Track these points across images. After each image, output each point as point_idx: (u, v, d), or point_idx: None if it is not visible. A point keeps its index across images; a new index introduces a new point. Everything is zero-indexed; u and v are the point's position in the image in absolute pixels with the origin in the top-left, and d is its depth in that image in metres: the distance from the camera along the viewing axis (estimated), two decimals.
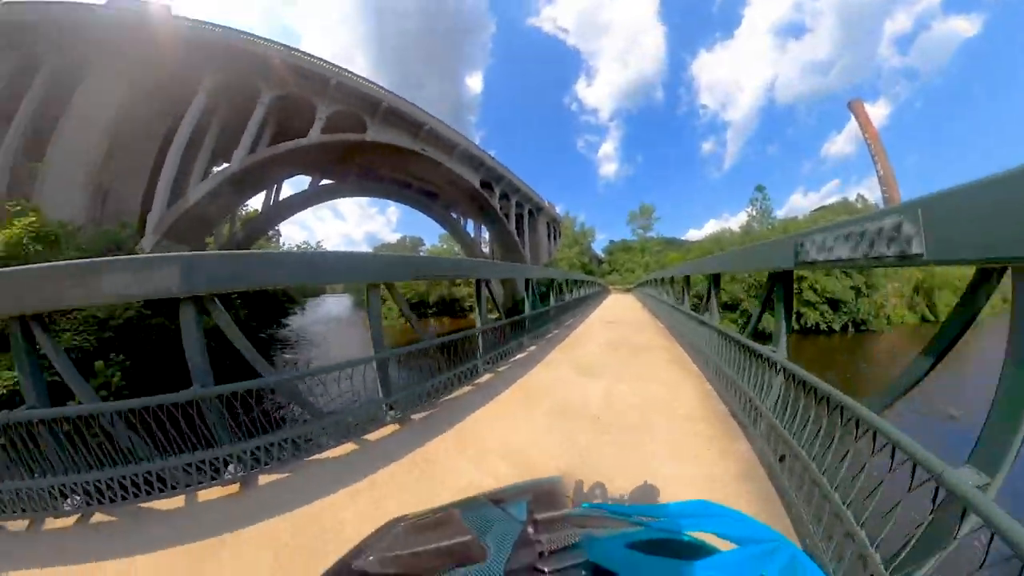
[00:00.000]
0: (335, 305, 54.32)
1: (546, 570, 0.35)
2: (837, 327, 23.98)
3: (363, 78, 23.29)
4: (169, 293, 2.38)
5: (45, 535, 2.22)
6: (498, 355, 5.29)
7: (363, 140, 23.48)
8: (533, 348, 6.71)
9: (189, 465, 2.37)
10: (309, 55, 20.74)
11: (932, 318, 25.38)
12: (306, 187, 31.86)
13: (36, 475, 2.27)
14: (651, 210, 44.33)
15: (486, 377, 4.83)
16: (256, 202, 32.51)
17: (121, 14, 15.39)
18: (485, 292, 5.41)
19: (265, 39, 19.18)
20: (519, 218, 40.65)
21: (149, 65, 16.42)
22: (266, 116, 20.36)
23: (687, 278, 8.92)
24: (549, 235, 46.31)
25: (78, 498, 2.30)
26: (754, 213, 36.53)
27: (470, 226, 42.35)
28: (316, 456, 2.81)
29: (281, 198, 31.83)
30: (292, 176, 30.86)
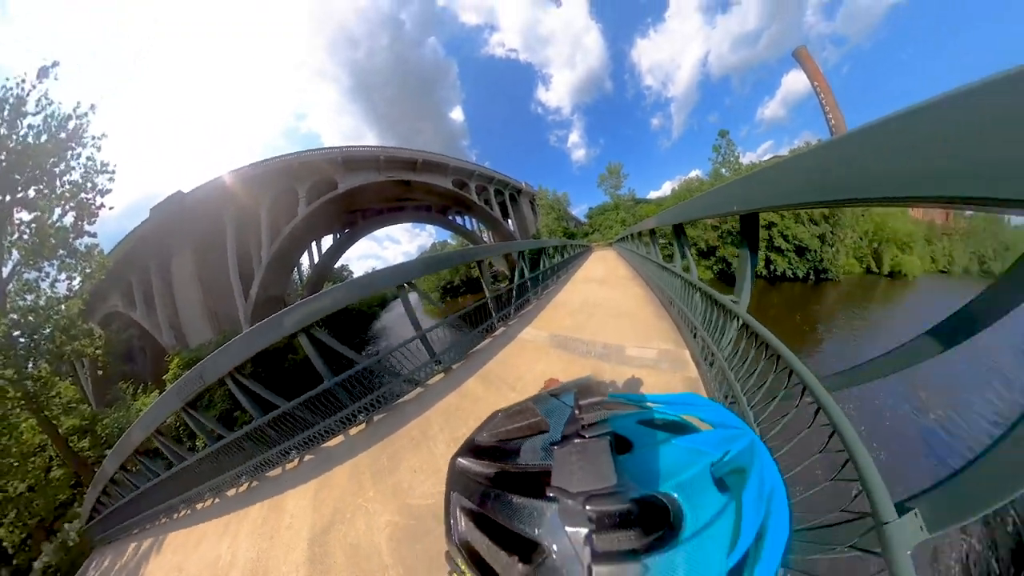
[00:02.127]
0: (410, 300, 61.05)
1: (585, 436, 0.43)
2: (801, 274, 20.79)
3: (318, 149, 24.87)
4: (291, 330, 3.42)
5: (289, 472, 3.55)
6: (506, 314, 5.96)
7: (339, 193, 25.47)
8: (537, 300, 7.28)
9: (339, 421, 3.64)
10: (279, 156, 23.88)
11: (876, 270, 21.76)
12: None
13: (271, 447, 3.71)
14: (619, 168, 40.59)
15: (500, 330, 5.52)
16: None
17: (158, 216, 21.01)
18: (488, 270, 6.13)
19: (248, 165, 23.30)
20: (503, 204, 40.77)
21: (192, 229, 22.32)
22: (271, 218, 23.93)
23: (652, 231, 8.02)
24: (534, 212, 46.52)
25: (295, 452, 3.68)
26: (719, 159, 32.10)
27: (474, 222, 43.11)
28: (399, 401, 3.89)
29: (324, 251, 34.98)
30: (314, 240, 33.44)
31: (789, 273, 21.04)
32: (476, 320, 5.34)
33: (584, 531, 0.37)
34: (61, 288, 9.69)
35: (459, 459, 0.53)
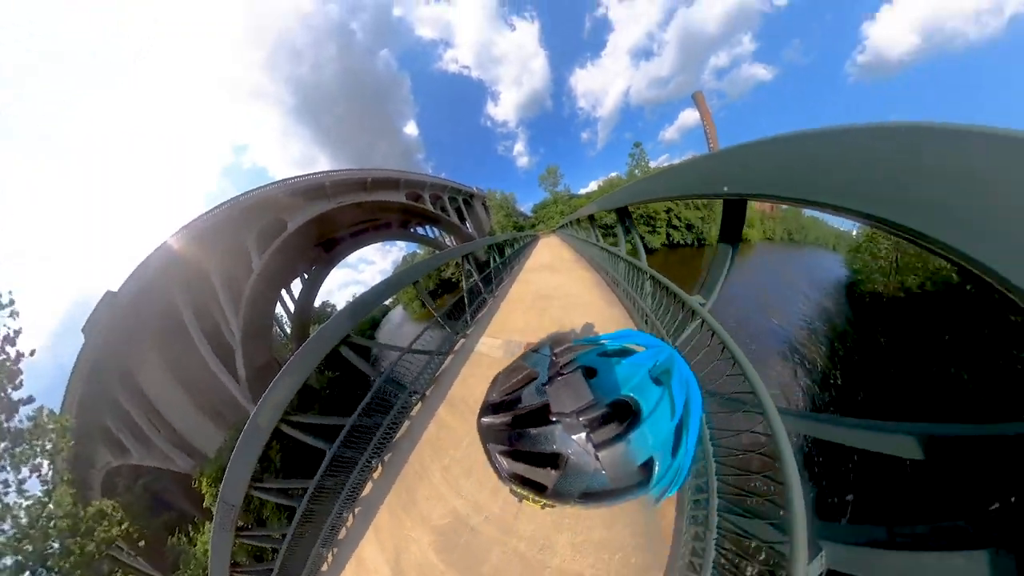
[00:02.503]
0: (396, 316, 62.62)
1: (564, 373, 0.55)
2: (690, 241, 30.86)
3: (255, 190, 20.57)
4: (270, 428, 3.38)
5: (352, 530, 3.61)
6: (464, 322, 5.76)
7: (291, 233, 21.57)
8: (493, 299, 6.90)
9: (360, 472, 3.82)
10: (215, 208, 19.48)
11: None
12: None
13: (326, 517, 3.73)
14: (555, 170, 48.04)
15: (460, 342, 5.37)
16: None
17: (96, 333, 16.61)
18: (425, 291, 5.81)
19: (179, 231, 18.76)
20: (458, 210, 41.06)
21: (144, 329, 18.03)
22: (227, 281, 20.04)
23: (591, 217, 8.28)
24: (487, 212, 47.99)
25: (345, 512, 3.75)
26: (633, 163, 38.98)
27: (435, 231, 42.71)
28: (396, 438, 4.07)
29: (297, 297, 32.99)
30: (283, 288, 31.23)
31: (682, 241, 30.68)
32: (439, 333, 5.24)
33: (584, 434, 0.50)
34: (33, 486, 6.84)
35: (483, 419, 0.61)
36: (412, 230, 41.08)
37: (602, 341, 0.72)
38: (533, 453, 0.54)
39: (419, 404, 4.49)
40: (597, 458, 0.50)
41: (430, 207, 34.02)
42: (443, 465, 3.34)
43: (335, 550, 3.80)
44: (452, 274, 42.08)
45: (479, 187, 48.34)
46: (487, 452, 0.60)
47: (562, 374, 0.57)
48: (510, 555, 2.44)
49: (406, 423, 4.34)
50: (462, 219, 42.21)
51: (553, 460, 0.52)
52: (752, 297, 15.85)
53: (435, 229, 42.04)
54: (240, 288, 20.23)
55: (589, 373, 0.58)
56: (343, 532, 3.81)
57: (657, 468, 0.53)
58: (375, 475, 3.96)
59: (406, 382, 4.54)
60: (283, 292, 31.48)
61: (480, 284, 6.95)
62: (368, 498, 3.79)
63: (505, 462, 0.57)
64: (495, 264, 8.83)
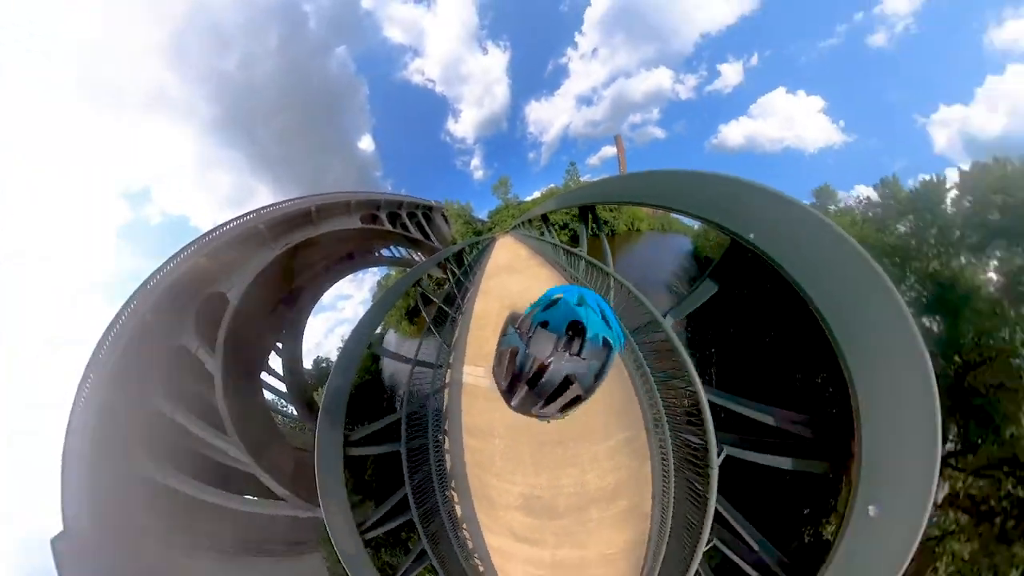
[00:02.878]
0: (391, 340, 62.92)
1: (529, 335, 0.72)
2: (604, 233, 36.82)
3: (171, 261, 14.98)
4: (359, 552, 3.80)
5: (475, 540, 4.44)
6: (445, 354, 5.95)
7: (235, 308, 16.49)
8: (462, 317, 6.84)
9: (445, 501, 4.46)
10: (125, 314, 13.42)
11: (632, 228, 41.66)
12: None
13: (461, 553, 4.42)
14: (507, 180, 52.77)
15: (448, 375, 5.70)
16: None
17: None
18: (379, 342, 5.92)
19: (89, 387, 12.19)
20: (419, 224, 39.52)
21: (144, 539, 12.27)
22: (187, 402, 14.87)
23: (544, 217, 8.93)
24: (447, 223, 47.74)
25: (462, 535, 4.45)
26: (568, 177, 45.01)
27: (400, 249, 41.62)
28: (448, 468, 4.72)
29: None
30: (263, 371, 25.77)
31: (599, 233, 37.55)
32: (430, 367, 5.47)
33: (566, 354, 0.75)
34: None
35: (511, 401, 0.80)
36: (377, 253, 39.25)
37: (540, 302, 0.93)
38: (555, 389, 0.73)
39: (446, 439, 5.08)
40: (583, 358, 0.71)
41: (389, 226, 31.12)
42: (494, 473, 4.37)
43: (476, 556, 4.56)
44: (429, 284, 41.97)
45: (437, 200, 48.09)
46: (532, 415, 0.78)
47: (529, 336, 0.75)
48: (567, 497, 3.81)
49: (447, 459, 4.97)
50: (425, 233, 40.98)
51: (568, 381, 0.73)
52: (649, 259, 29.43)
53: (399, 248, 40.91)
54: (209, 404, 14.86)
55: (543, 324, 0.79)
56: (469, 544, 4.59)
57: (610, 340, 0.81)
58: (455, 500, 4.70)
59: (425, 421, 4.99)
60: (263, 375, 25.12)
61: (445, 306, 7.09)
62: (465, 516, 4.59)
63: (547, 409, 0.75)
64: (455, 278, 8.50)
